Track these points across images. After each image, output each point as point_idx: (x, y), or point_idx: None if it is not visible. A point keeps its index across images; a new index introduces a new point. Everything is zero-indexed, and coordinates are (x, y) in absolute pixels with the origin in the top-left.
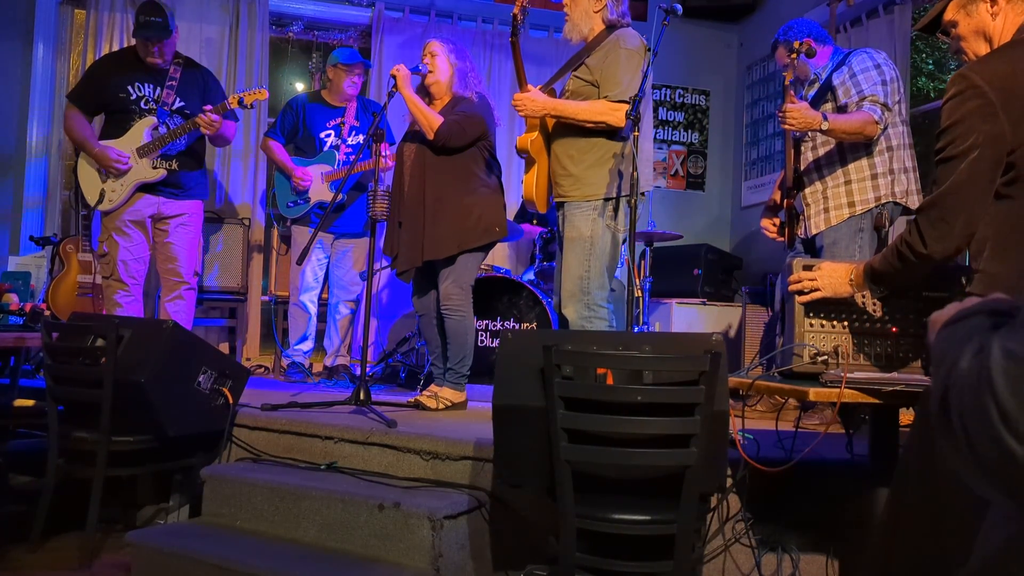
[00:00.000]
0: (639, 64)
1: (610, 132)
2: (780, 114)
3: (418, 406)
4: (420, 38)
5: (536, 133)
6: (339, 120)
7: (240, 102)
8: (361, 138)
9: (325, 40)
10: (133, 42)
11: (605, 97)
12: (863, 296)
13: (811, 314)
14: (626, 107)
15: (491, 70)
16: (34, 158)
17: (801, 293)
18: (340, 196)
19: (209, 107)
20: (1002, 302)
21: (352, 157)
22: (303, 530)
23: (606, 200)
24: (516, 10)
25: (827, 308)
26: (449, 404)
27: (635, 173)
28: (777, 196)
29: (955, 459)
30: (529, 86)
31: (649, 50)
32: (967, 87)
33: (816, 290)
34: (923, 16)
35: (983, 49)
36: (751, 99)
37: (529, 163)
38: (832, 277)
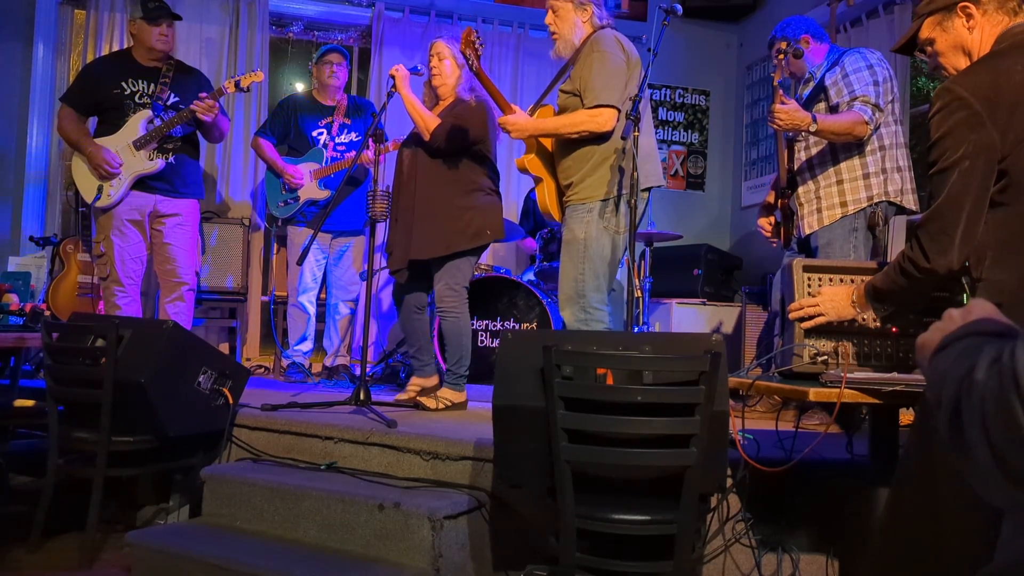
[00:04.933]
0: (615, 63)
1: (601, 137)
2: (769, 114)
3: (418, 406)
4: (420, 38)
5: (532, 154)
6: (329, 119)
7: (237, 85)
8: (353, 135)
9: (325, 40)
10: (130, 43)
11: (584, 106)
12: (864, 317)
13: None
14: (607, 111)
15: (491, 70)
16: (34, 158)
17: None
18: (332, 192)
19: (204, 94)
20: (992, 323)
21: (348, 155)
22: (303, 530)
23: (604, 201)
24: (463, 47)
25: None
26: (449, 404)
27: (635, 173)
28: (772, 197)
29: (976, 475)
30: (515, 108)
31: (650, 51)
32: (952, 99)
33: (820, 315)
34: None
35: (963, 63)
36: (751, 99)
37: (536, 179)
38: (834, 301)
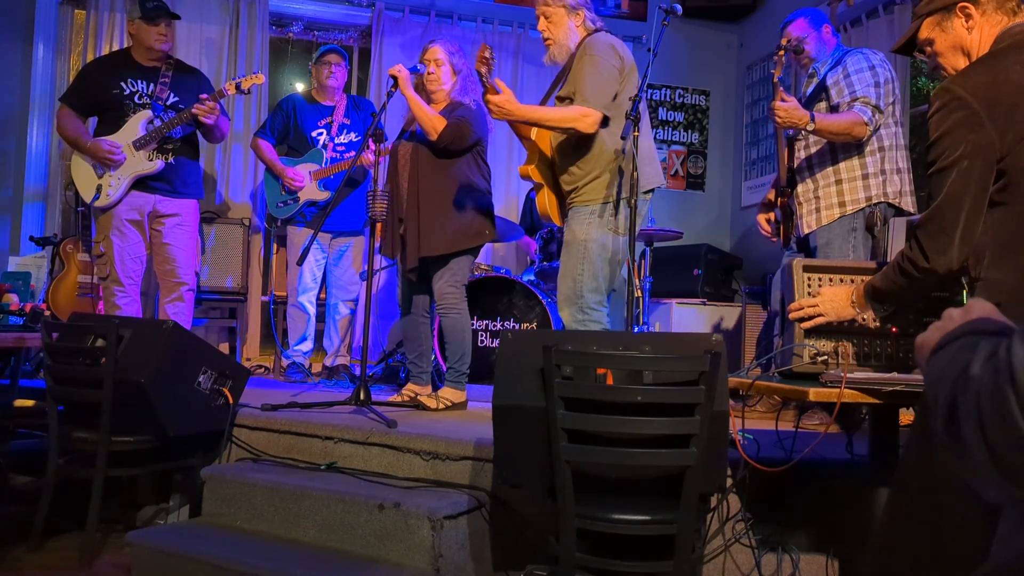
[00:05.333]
0: (606, 67)
1: (598, 141)
2: (769, 110)
3: (419, 406)
4: (420, 38)
5: (534, 164)
6: (329, 119)
7: (237, 87)
8: (352, 136)
9: (325, 40)
10: (130, 43)
11: None
12: (864, 317)
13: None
14: (596, 114)
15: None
16: (34, 158)
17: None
18: (332, 194)
19: (205, 95)
20: (990, 322)
21: (347, 155)
22: (303, 530)
23: (605, 204)
24: (478, 64)
25: None
26: (449, 404)
27: (635, 173)
28: (772, 194)
29: (972, 472)
30: (504, 88)
31: (650, 51)
32: (951, 99)
33: (819, 316)
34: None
35: (962, 63)
36: (751, 99)
37: (537, 185)
38: (834, 302)
